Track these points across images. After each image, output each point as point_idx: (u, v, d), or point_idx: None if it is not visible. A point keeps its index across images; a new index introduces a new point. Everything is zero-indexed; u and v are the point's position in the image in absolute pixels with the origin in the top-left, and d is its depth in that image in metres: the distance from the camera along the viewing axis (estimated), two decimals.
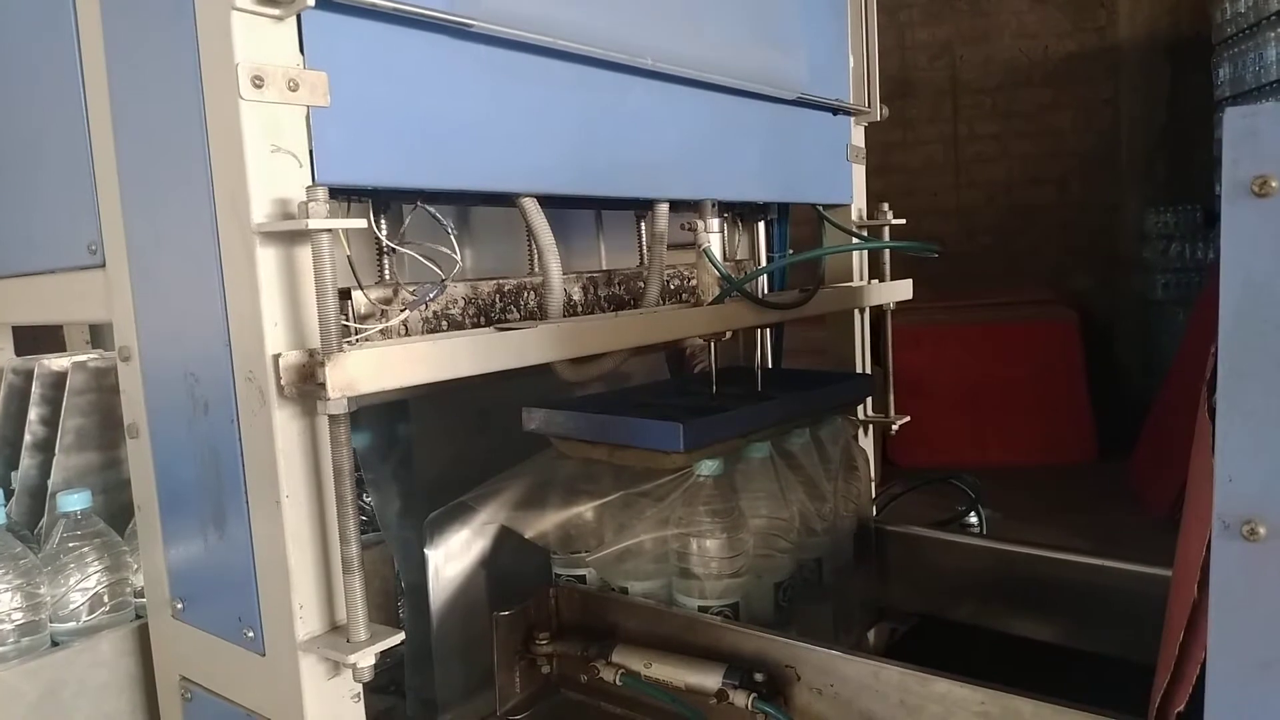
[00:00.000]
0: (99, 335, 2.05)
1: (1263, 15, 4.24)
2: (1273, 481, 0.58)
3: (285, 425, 0.95)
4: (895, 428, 1.93)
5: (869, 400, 1.94)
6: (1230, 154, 0.56)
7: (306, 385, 0.92)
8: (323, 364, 0.89)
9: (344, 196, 1.18)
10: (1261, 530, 0.58)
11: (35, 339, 1.75)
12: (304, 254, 0.95)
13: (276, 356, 0.93)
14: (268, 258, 0.93)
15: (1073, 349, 5.13)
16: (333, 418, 0.92)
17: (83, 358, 1.40)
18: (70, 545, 1.21)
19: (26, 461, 1.40)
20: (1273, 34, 4.20)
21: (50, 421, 1.40)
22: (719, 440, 1.29)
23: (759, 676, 1.11)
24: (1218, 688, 0.61)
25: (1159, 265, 5.34)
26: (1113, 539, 3.86)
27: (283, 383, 0.93)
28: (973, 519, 1.88)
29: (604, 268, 1.74)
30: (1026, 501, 4.33)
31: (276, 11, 0.92)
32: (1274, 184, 0.55)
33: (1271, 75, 4.21)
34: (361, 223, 0.97)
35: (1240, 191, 0.56)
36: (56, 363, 1.43)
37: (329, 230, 0.90)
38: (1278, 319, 0.56)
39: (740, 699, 1.10)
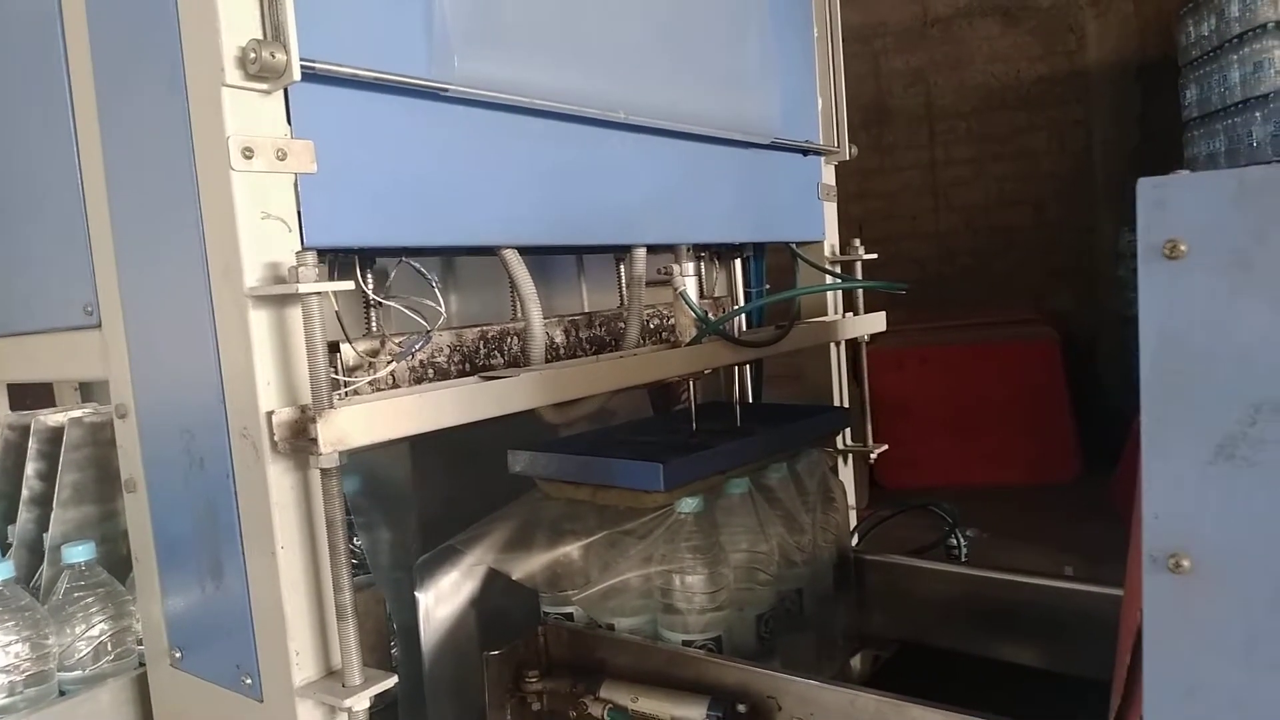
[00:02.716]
0: (89, 389, 2.08)
1: (1225, 38, 4.35)
2: (1194, 518, 0.62)
3: (279, 479, 0.99)
4: (874, 455, 1.98)
5: (849, 429, 1.99)
6: (1143, 220, 0.62)
7: (299, 440, 0.97)
8: (314, 420, 0.94)
9: (331, 254, 1.23)
10: (1185, 563, 0.63)
11: (23, 392, 1.78)
12: (294, 314, 0.99)
13: (270, 413, 0.97)
14: (260, 319, 0.98)
15: (1055, 368, 5.19)
16: (324, 471, 0.96)
17: (78, 413, 1.43)
18: (75, 595, 1.24)
19: (24, 515, 1.43)
20: (1235, 56, 4.31)
21: (47, 476, 1.43)
22: (698, 478, 1.33)
23: (741, 708, 1.14)
24: (1154, 711, 0.66)
25: (1136, 284, 5.41)
26: (1097, 556, 3.91)
27: (276, 438, 0.97)
28: (954, 543, 1.92)
29: (586, 309, 1.79)
30: (1012, 520, 4.37)
31: (265, 86, 0.97)
32: (1182, 247, 0.61)
33: (1236, 96, 4.32)
34: (349, 285, 1.02)
35: (1153, 254, 0.61)
36: (52, 418, 1.47)
37: (318, 293, 0.94)
38: (1190, 369, 0.61)
39: None
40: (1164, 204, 0.61)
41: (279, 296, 0.98)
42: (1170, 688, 0.64)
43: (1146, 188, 0.61)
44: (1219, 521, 0.62)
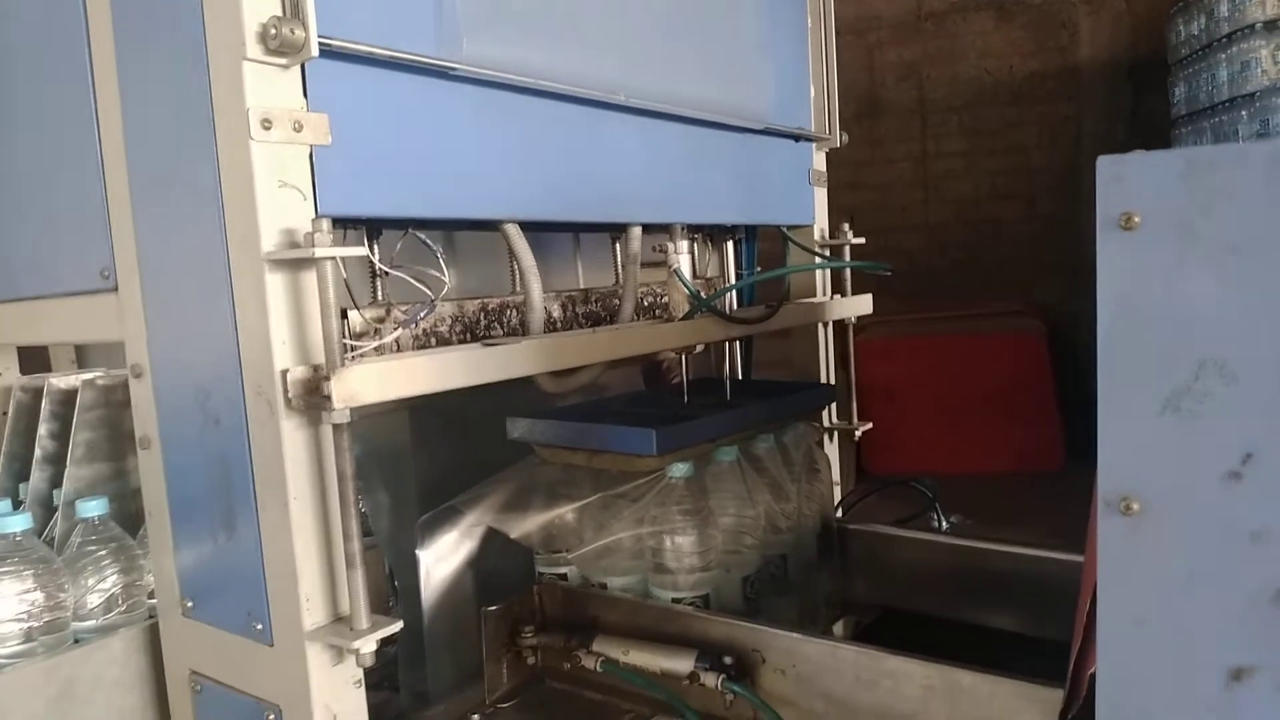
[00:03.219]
0: (84, 354, 2.13)
1: (1214, 38, 4.42)
2: (1143, 464, 0.69)
3: (292, 434, 1.04)
4: (859, 434, 2.04)
5: (834, 408, 2.05)
6: (1102, 194, 0.68)
7: (312, 397, 1.02)
8: (328, 378, 0.99)
9: (340, 224, 1.28)
10: (1135, 506, 0.69)
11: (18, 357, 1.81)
12: (308, 278, 1.04)
13: (284, 372, 1.02)
14: (276, 282, 1.03)
15: (1041, 359, 5.26)
16: (336, 426, 1.02)
17: (91, 375, 1.48)
18: (88, 549, 1.29)
19: (37, 474, 1.49)
20: (1224, 55, 4.37)
21: (59, 436, 1.49)
22: (689, 445, 1.39)
23: (727, 660, 1.21)
24: (1106, 642, 0.72)
25: None
26: (1079, 541, 3.99)
27: (290, 396, 1.02)
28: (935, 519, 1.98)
29: (581, 286, 1.84)
30: (997, 507, 4.44)
31: (283, 61, 1.02)
32: (1136, 219, 0.66)
33: (1224, 95, 4.39)
34: (362, 251, 1.07)
35: (1111, 226, 0.67)
36: (64, 381, 1.52)
37: (332, 258, 1.00)
38: (1141, 331, 0.67)
39: (711, 680, 1.20)
40: (1121, 179, 0.67)
41: (294, 261, 1.03)
42: (1121, 619, 0.71)
43: (1105, 164, 0.67)
44: (1165, 467, 0.68)
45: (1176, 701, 0.71)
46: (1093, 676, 0.85)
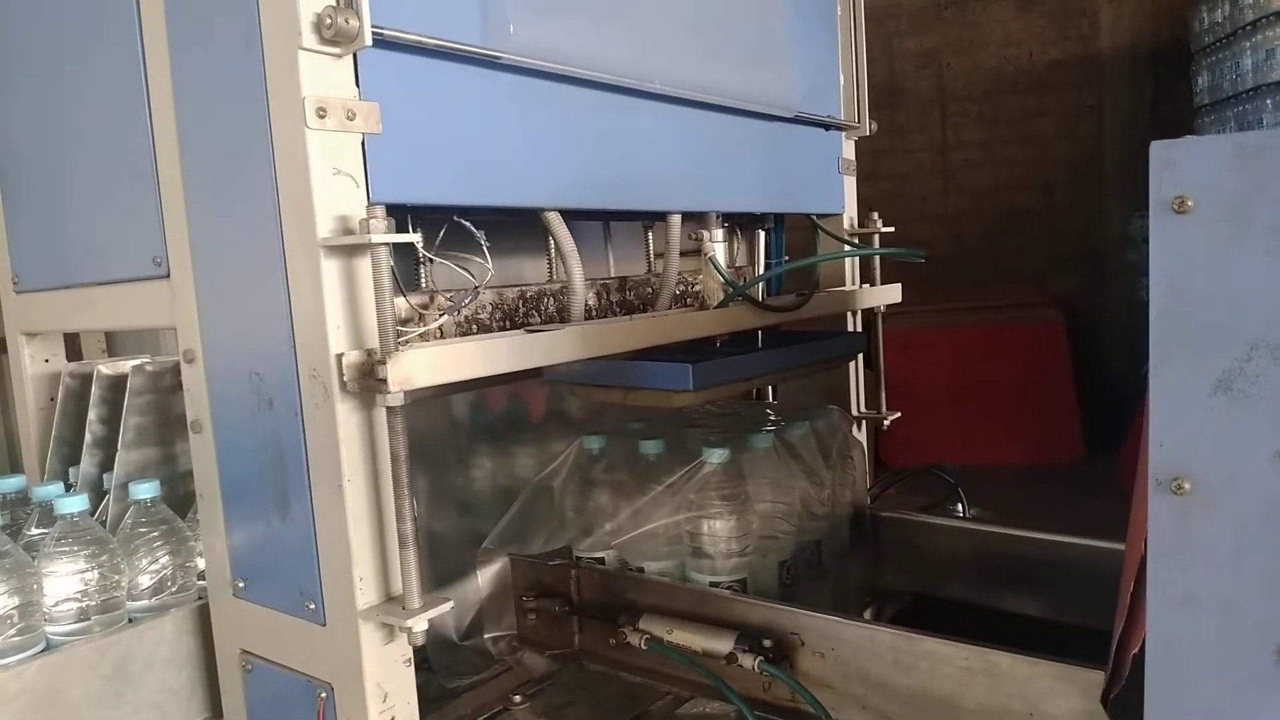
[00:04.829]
0: (114, 342, 2.17)
1: (1238, 25, 4.39)
2: (1194, 444, 0.70)
3: (347, 417, 1.07)
4: (887, 424, 2.05)
5: (862, 398, 2.07)
6: (1155, 179, 0.69)
7: (367, 380, 1.04)
8: (383, 362, 1.01)
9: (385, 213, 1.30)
10: (1186, 485, 0.71)
11: None
12: (361, 264, 1.07)
13: (339, 356, 1.05)
14: (330, 268, 1.05)
15: (1060, 350, 5.26)
16: (391, 409, 1.04)
17: (140, 361, 1.51)
18: (140, 531, 1.32)
19: (87, 459, 1.52)
20: (1248, 43, 4.34)
21: (109, 421, 1.52)
22: (725, 381, 1.38)
23: (766, 642, 1.23)
24: (1155, 618, 0.74)
25: (1143, 267, 5.41)
26: (1099, 533, 3.98)
27: (345, 379, 1.05)
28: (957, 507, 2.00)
29: (612, 275, 1.86)
30: (1016, 499, 4.45)
31: (337, 50, 1.04)
32: (1189, 203, 0.68)
33: (1248, 83, 4.36)
34: (414, 237, 1.09)
35: (1163, 209, 0.69)
36: (112, 367, 1.55)
37: (387, 244, 1.02)
38: (1194, 312, 0.69)
39: (749, 662, 1.22)
40: (1173, 164, 0.68)
41: (348, 247, 1.06)
42: (1171, 596, 0.72)
43: (1158, 149, 0.69)
44: (1216, 447, 0.69)
45: (1225, 677, 0.72)
46: (1136, 657, 0.87)
